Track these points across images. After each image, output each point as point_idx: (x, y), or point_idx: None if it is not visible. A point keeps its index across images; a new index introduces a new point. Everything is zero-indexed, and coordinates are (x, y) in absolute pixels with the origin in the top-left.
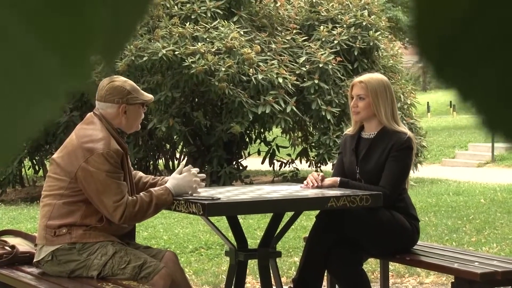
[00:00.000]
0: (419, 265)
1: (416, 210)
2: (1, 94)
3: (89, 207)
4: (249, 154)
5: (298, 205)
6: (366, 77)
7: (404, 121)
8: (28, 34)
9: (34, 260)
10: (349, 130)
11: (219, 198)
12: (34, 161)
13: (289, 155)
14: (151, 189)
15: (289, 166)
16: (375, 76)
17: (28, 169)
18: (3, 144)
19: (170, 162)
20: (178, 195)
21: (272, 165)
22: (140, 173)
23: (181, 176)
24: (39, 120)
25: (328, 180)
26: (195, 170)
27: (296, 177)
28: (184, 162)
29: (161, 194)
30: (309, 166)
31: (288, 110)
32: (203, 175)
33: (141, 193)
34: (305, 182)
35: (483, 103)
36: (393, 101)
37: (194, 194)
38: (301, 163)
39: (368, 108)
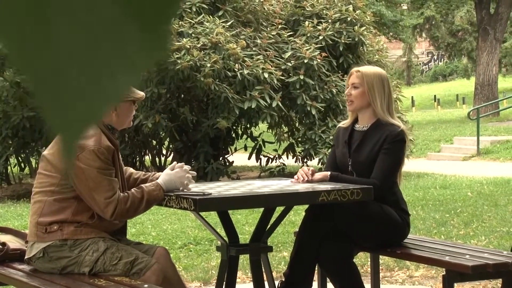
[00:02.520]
0: (410, 258)
1: (406, 204)
2: (87, 62)
3: (80, 203)
4: (235, 150)
5: (290, 199)
6: (364, 67)
7: None
8: (112, 3)
9: (26, 257)
10: (343, 123)
11: (210, 194)
12: (20, 158)
13: (275, 150)
14: (142, 185)
15: (275, 162)
16: (374, 68)
17: (14, 167)
18: (89, 111)
19: (157, 158)
20: (169, 190)
21: (258, 161)
22: (131, 169)
23: (173, 172)
24: (121, 89)
25: (319, 175)
26: (187, 167)
27: (283, 172)
28: (171, 158)
29: (153, 190)
30: (295, 161)
31: (274, 105)
32: (194, 173)
33: (132, 189)
34: (295, 176)
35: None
36: (390, 95)
37: (185, 190)
38: (287, 158)
39: (361, 98)
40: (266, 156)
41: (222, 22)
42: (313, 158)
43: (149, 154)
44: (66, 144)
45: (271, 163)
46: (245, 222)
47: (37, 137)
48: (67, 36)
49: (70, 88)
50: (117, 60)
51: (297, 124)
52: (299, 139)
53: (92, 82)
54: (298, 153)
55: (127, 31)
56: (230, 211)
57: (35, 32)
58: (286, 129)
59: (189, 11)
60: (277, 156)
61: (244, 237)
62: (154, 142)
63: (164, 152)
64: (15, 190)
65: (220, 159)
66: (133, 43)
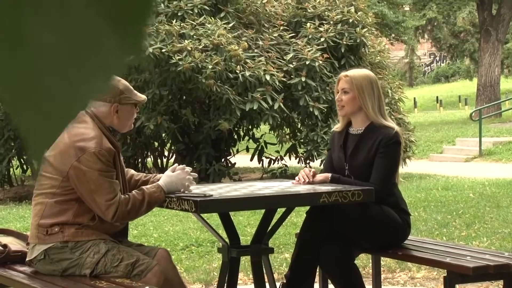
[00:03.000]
0: (412, 259)
1: (406, 204)
2: (59, 64)
3: (81, 205)
4: (237, 151)
5: (291, 201)
6: (352, 71)
7: (392, 116)
8: (87, 5)
9: (27, 259)
10: (337, 127)
11: (211, 195)
12: (22, 160)
13: (277, 151)
14: (143, 187)
15: (278, 163)
16: (362, 71)
17: (16, 169)
18: (61, 111)
19: (159, 160)
20: (170, 192)
21: (261, 162)
22: (132, 171)
23: (174, 173)
24: (95, 90)
25: (320, 176)
26: (188, 168)
27: (285, 174)
28: (173, 159)
29: (153, 192)
30: (298, 163)
31: (276, 107)
32: (195, 174)
33: (133, 191)
34: (296, 178)
35: None
36: (380, 96)
37: (186, 191)
38: (290, 159)
39: (352, 102)
40: (268, 158)
41: (223, 24)
42: (316, 159)
43: (151, 156)
44: (35, 147)
45: (273, 164)
46: (247, 223)
47: None
48: (39, 37)
49: (42, 90)
50: (91, 62)
51: (299, 125)
52: (301, 141)
53: (64, 84)
54: (300, 154)
55: (101, 33)
56: (232, 213)
57: (5, 32)
58: (288, 131)
59: (191, 12)
60: (279, 157)
61: (246, 238)
62: (156, 143)
63: (166, 153)
64: (17, 192)
65: (222, 160)
66: (107, 46)
